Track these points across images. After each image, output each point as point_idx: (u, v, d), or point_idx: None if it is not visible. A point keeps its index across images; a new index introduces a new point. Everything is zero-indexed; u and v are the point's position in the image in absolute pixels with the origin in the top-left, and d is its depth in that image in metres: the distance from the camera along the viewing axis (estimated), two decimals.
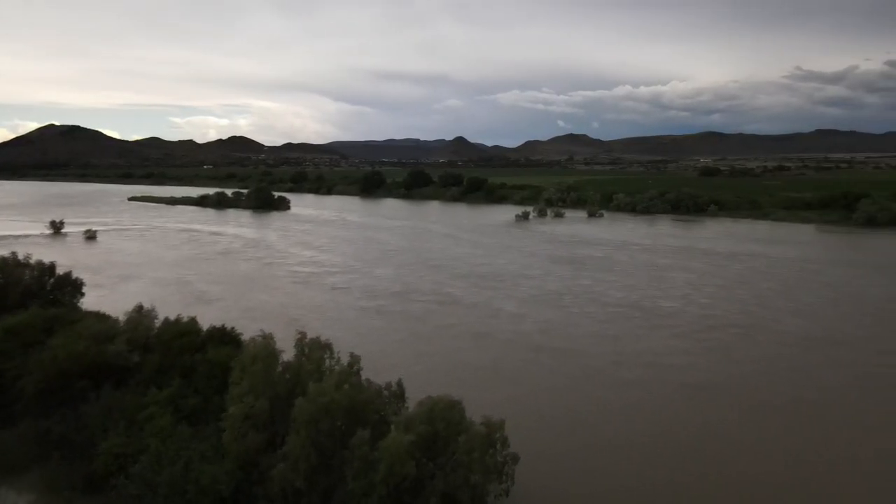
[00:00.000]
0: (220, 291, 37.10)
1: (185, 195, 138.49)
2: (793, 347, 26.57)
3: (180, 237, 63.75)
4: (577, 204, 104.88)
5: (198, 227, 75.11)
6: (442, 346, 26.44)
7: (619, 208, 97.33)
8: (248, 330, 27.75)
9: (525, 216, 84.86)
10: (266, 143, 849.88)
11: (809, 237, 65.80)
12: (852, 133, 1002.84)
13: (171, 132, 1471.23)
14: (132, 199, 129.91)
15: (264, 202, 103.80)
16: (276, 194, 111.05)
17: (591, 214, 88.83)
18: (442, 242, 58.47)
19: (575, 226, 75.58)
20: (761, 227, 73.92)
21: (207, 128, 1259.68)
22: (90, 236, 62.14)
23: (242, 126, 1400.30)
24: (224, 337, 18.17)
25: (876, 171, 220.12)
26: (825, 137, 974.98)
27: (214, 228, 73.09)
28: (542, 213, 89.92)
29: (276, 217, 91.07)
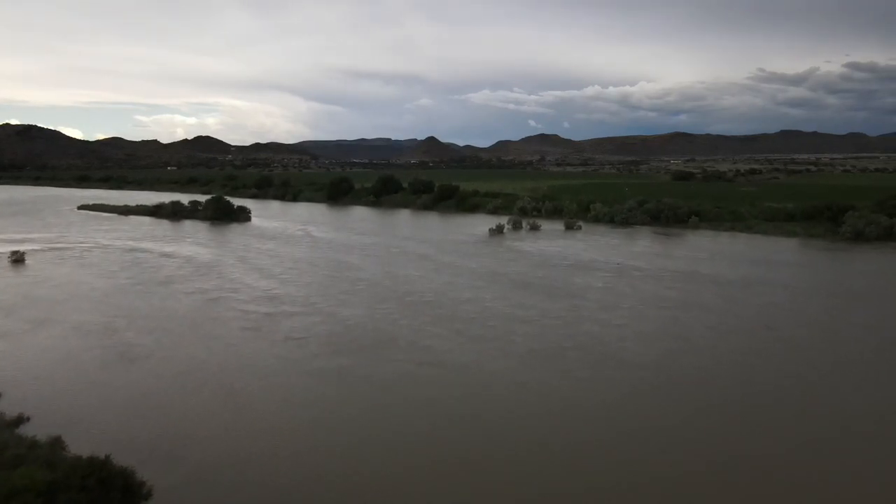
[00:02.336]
0: (150, 343, 31.47)
1: (143, 201, 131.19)
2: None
3: (123, 260, 57.56)
4: (553, 214, 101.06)
5: (147, 245, 68.87)
6: (416, 441, 20.98)
7: (597, 219, 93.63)
8: (173, 408, 22.35)
9: (500, 230, 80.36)
10: (235, 143, 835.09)
11: (809, 256, 62.17)
12: (815, 134, 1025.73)
13: (137, 131, 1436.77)
14: (82, 207, 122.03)
15: (223, 213, 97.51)
16: (236, 204, 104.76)
17: (569, 227, 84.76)
18: (419, 268, 52.68)
19: (556, 241, 71.11)
20: (749, 242, 70.54)
21: (174, 126, 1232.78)
22: (17, 259, 55.61)
23: (211, 125, 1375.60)
24: (87, 479, 12.81)
25: (844, 175, 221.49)
26: (789, 138, 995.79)
27: (165, 247, 66.95)
28: (516, 226, 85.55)
29: (234, 231, 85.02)
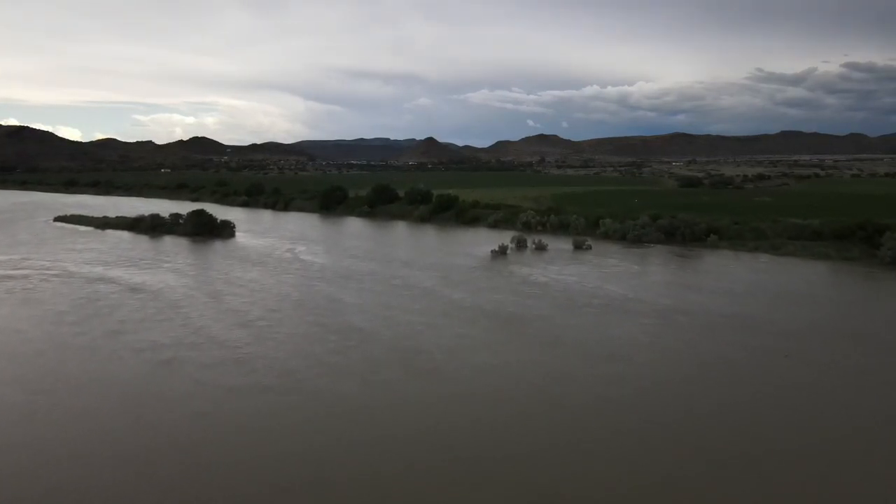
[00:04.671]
0: (69, 441, 24.73)
1: (129, 208, 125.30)
2: None
3: (79, 295, 50.79)
4: (559, 229, 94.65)
5: (115, 272, 62.08)
6: None
7: (607, 235, 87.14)
8: None
9: (503, 251, 73.72)
10: (234, 143, 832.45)
11: (859, 288, 55.22)
12: (815, 135, 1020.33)
13: (135, 130, 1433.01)
14: (59, 219, 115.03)
15: (204, 228, 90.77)
16: (224, 216, 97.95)
17: (578, 246, 78.05)
18: (424, 309, 44.67)
19: (569, 267, 64.15)
20: (781, 268, 63.91)
21: (173, 126, 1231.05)
22: None
23: (209, 124, 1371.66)
24: None
25: (856, 181, 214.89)
26: (790, 139, 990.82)
27: (133, 276, 60.15)
28: (520, 245, 78.89)
29: (215, 251, 78.32)
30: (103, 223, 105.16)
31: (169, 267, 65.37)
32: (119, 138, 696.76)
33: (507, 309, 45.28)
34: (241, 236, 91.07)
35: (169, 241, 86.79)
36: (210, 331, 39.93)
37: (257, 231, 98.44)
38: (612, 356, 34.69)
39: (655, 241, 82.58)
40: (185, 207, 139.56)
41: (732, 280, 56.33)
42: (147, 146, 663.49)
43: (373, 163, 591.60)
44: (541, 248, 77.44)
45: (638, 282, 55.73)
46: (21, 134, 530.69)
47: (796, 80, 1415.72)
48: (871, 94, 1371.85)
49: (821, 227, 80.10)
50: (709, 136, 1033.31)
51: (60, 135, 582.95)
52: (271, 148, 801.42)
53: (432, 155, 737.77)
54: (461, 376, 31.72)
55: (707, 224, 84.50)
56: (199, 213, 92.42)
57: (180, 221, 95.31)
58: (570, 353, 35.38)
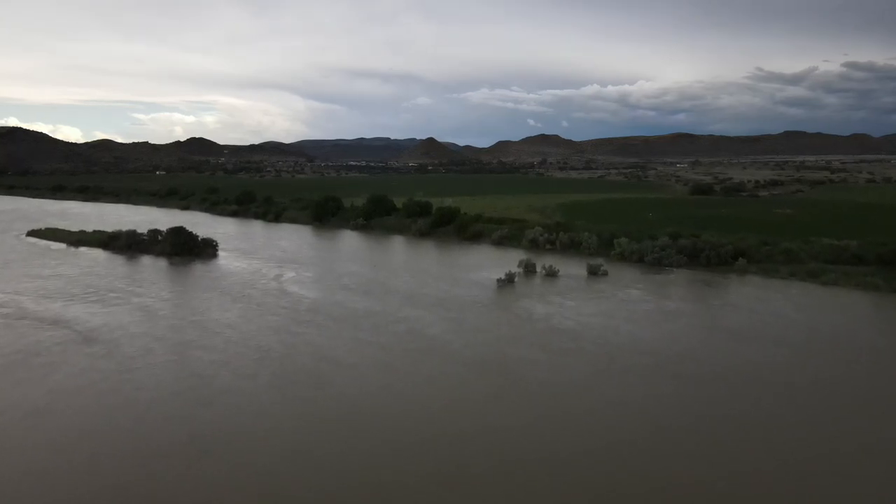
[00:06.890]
0: None
1: (113, 218, 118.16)
2: None
3: (17, 348, 43.14)
4: (570, 247, 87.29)
5: (75, 312, 54.50)
6: None
7: (623, 257, 79.67)
8: None
9: (510, 279, 66.17)
10: (233, 142, 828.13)
11: None
12: (819, 135, 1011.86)
13: (135, 129, 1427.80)
14: (32, 233, 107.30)
15: (184, 248, 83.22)
16: (201, 237, 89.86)
17: (593, 272, 70.50)
18: (435, 377, 36.63)
19: (589, 302, 56.26)
20: (829, 300, 56.51)
21: (172, 125, 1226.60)
22: None
23: (209, 123, 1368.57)
24: None
25: (873, 188, 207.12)
26: (793, 139, 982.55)
27: (95, 317, 52.51)
28: (529, 270, 71.40)
29: (194, 278, 70.92)
30: (77, 240, 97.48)
31: (137, 303, 57.68)
32: (118, 137, 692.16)
33: (537, 374, 37.28)
34: (224, 257, 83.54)
35: (145, 264, 79.34)
36: (161, 410, 32.31)
37: (244, 250, 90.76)
38: (693, 460, 26.24)
39: (677, 265, 75.12)
40: (172, 217, 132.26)
41: (783, 323, 48.55)
42: (143, 147, 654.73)
43: (372, 164, 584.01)
44: (551, 274, 69.92)
45: (676, 326, 48.02)
46: (13, 135, 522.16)
47: (796, 80, 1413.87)
48: (870, 94, 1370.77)
49: (860, 249, 72.68)
50: (711, 136, 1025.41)
51: (61, 134, 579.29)
52: (270, 148, 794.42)
53: (433, 155, 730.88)
54: (492, 495, 23.76)
55: (734, 245, 77.02)
56: (178, 232, 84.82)
57: (159, 238, 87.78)
58: (636, 455, 27.14)
